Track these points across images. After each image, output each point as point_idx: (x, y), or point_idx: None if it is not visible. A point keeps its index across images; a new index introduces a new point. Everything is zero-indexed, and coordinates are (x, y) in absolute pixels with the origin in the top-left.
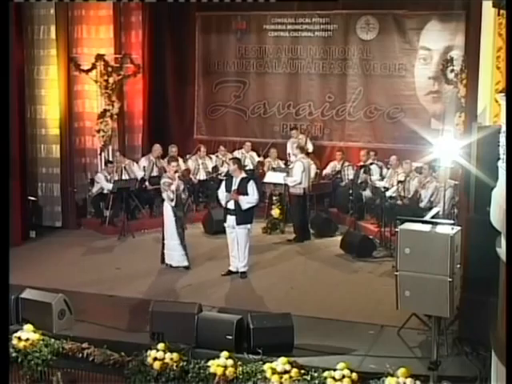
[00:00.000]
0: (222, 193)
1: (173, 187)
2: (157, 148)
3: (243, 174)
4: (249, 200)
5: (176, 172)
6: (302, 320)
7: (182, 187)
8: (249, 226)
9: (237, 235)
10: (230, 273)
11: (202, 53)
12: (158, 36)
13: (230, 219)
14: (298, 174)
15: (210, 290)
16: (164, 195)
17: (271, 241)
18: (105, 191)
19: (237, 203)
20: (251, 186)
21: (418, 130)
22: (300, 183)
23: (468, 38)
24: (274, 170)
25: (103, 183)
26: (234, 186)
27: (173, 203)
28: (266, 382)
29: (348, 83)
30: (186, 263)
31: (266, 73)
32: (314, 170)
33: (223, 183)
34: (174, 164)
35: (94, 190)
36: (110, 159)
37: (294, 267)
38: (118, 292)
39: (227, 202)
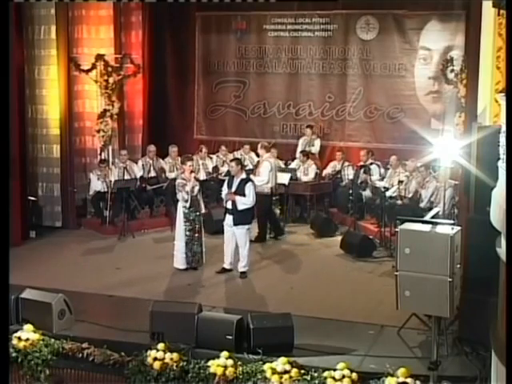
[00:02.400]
0: (224, 191)
1: (187, 188)
2: (152, 149)
3: (243, 175)
4: (244, 201)
5: (192, 172)
6: (302, 320)
7: (197, 188)
8: (247, 226)
9: (235, 235)
10: (224, 270)
11: (202, 53)
12: (158, 36)
13: (229, 218)
14: (265, 174)
15: (210, 289)
16: (178, 196)
17: (271, 241)
18: (101, 190)
19: (234, 203)
20: (248, 188)
21: (418, 130)
22: (267, 182)
23: (468, 38)
24: None
25: (94, 183)
26: (233, 187)
27: (187, 204)
28: (266, 382)
29: (348, 83)
30: (183, 266)
31: (265, 73)
32: (314, 170)
33: (225, 182)
34: (189, 164)
35: (90, 190)
36: (105, 158)
37: (294, 267)
38: (117, 292)
39: (226, 201)
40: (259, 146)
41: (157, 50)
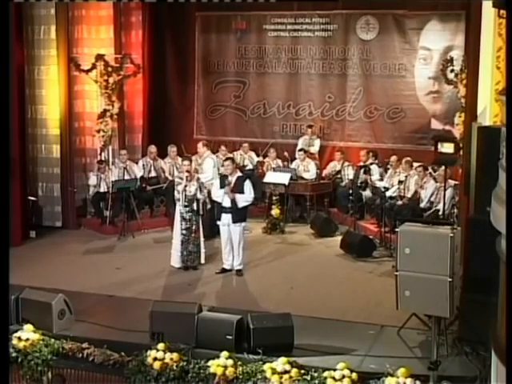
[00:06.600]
0: (216, 190)
1: (179, 187)
2: (153, 150)
3: (239, 173)
4: (245, 198)
5: (187, 172)
6: (301, 320)
7: (194, 188)
8: (243, 223)
9: (231, 233)
10: (224, 271)
11: (201, 53)
12: (158, 36)
13: (226, 217)
14: (209, 170)
15: (210, 289)
16: (176, 195)
17: (271, 241)
18: (101, 190)
19: (233, 201)
20: (247, 185)
21: (418, 130)
22: (212, 179)
23: (468, 38)
24: (274, 170)
25: (94, 183)
26: (231, 185)
27: (179, 203)
28: (266, 382)
29: (348, 83)
30: (178, 265)
31: (265, 73)
32: (314, 166)
33: (217, 181)
34: (185, 163)
35: (90, 190)
36: (104, 159)
37: (293, 267)
38: (117, 292)
39: (223, 198)
40: (200, 144)
41: (157, 50)
